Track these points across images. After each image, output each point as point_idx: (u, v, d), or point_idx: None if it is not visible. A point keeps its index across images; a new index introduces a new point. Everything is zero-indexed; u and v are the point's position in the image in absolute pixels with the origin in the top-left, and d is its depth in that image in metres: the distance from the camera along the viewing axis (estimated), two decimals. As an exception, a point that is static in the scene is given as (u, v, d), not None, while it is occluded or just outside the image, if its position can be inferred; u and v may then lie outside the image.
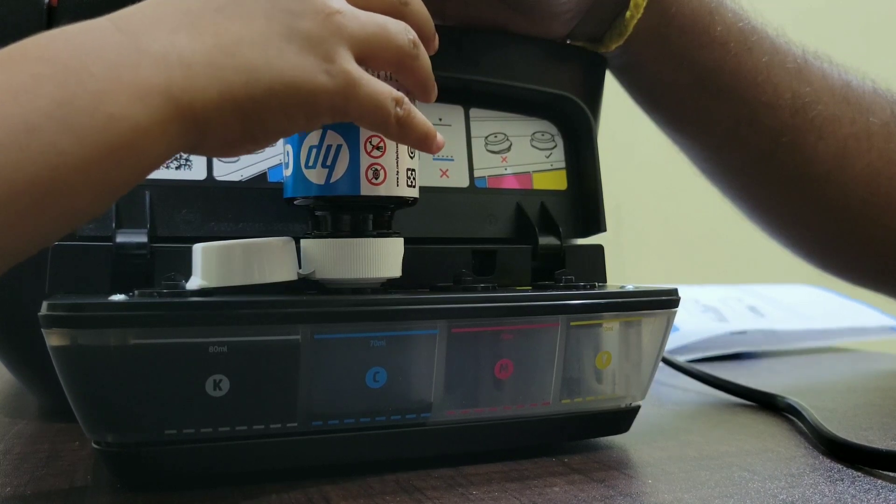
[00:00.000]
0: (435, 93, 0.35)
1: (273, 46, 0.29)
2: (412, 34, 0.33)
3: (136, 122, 0.26)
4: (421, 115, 0.33)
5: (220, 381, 0.31)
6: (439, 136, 0.34)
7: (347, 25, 0.30)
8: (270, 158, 0.40)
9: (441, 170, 0.43)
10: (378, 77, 0.32)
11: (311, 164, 0.34)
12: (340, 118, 0.31)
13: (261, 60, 0.29)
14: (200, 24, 0.29)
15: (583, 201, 0.46)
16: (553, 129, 0.47)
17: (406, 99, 0.32)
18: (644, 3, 0.48)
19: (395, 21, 0.33)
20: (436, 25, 0.36)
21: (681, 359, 0.59)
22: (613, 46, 0.49)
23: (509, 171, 0.45)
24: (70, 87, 0.26)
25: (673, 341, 0.66)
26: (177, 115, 0.27)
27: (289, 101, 0.29)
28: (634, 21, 0.48)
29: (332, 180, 0.34)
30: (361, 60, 0.31)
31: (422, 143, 0.33)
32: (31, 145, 0.25)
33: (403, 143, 0.34)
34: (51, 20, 0.38)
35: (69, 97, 0.25)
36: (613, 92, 0.53)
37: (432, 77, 0.34)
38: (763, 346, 0.70)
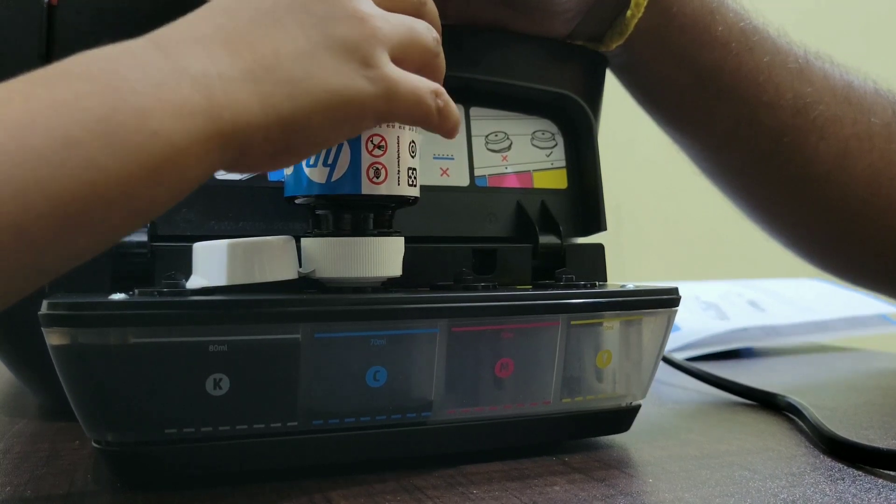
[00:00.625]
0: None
1: (312, 56, 0.29)
2: (434, 33, 0.33)
3: (177, 140, 0.26)
4: (453, 103, 0.33)
5: (221, 380, 0.31)
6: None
7: (381, 28, 0.30)
8: (271, 157, 0.40)
9: (441, 168, 0.43)
10: None
11: (312, 162, 0.34)
12: (383, 121, 0.32)
13: (302, 72, 0.28)
14: (236, 38, 0.28)
15: (583, 200, 0.46)
16: (553, 128, 0.47)
17: (443, 89, 0.32)
18: (645, 3, 0.48)
19: (420, 21, 0.33)
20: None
21: (681, 356, 0.59)
22: (614, 45, 0.49)
23: (510, 169, 0.45)
24: (112, 104, 0.25)
25: (674, 340, 0.66)
26: (218, 133, 0.27)
27: (333, 111, 0.29)
28: (635, 20, 0.48)
29: (334, 179, 0.34)
30: (394, 62, 0.31)
31: (452, 132, 0.34)
32: (71, 159, 0.24)
33: (439, 131, 0.34)
34: (51, 19, 0.38)
35: (111, 113, 0.25)
36: (614, 91, 0.53)
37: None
38: (763, 342, 0.70)
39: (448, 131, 0.34)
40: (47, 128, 0.24)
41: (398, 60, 0.31)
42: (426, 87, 0.32)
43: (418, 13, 0.33)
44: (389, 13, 0.32)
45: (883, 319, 0.77)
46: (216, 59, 0.28)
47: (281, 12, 0.29)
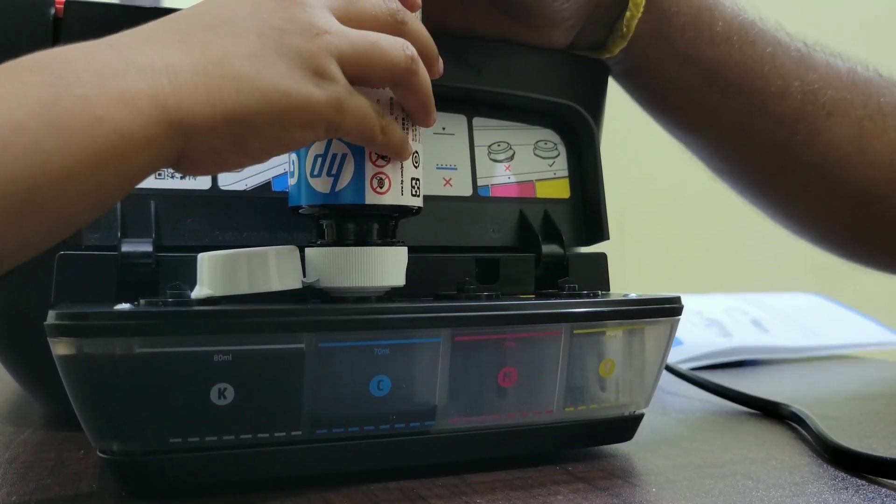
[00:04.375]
0: (434, 116, 0.35)
1: (263, 60, 0.29)
2: (410, 49, 0.33)
3: (122, 126, 0.27)
4: (397, 125, 0.34)
5: (225, 389, 0.31)
6: (409, 143, 0.35)
7: (336, 44, 0.31)
8: (274, 168, 0.40)
9: (444, 178, 0.44)
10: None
11: (316, 172, 0.35)
12: (334, 133, 0.32)
13: (251, 71, 0.29)
14: (190, 40, 0.29)
15: (586, 209, 0.46)
16: (556, 138, 0.47)
17: (384, 111, 0.33)
18: (643, 2, 0.48)
19: (392, 37, 0.33)
20: (438, 35, 0.36)
21: (684, 366, 0.59)
22: (617, 50, 0.49)
23: (512, 179, 0.45)
24: (57, 90, 0.26)
25: (676, 354, 0.66)
26: (163, 120, 0.27)
27: (282, 110, 0.30)
28: (635, 21, 0.48)
29: (337, 189, 0.34)
30: (354, 77, 0.32)
31: (400, 151, 0.34)
32: (16, 143, 0.25)
33: (382, 152, 0.34)
34: (57, 31, 0.38)
35: (55, 99, 0.26)
36: (616, 100, 0.53)
37: (432, 99, 0.35)
38: (766, 356, 0.70)
39: (396, 151, 0.34)
40: None
41: (357, 75, 0.32)
42: (371, 105, 0.32)
43: (397, 32, 0.33)
44: (353, 30, 0.32)
45: (892, 345, 0.76)
46: (165, 55, 0.28)
47: (238, 22, 0.30)
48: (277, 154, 0.33)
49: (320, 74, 0.30)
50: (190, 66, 0.28)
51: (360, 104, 0.32)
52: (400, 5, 0.34)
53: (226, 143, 0.29)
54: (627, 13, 0.48)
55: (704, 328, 0.72)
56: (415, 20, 0.35)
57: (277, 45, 0.30)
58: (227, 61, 0.29)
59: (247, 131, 0.29)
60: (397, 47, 0.33)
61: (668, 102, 0.54)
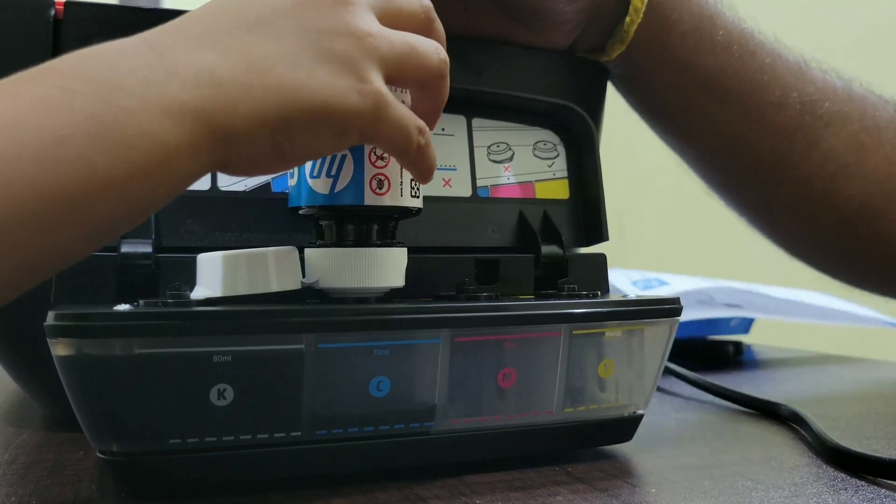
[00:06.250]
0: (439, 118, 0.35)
1: (304, 66, 0.29)
2: (443, 53, 0.33)
3: (167, 139, 0.26)
4: (433, 147, 0.33)
5: (225, 390, 0.31)
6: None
7: (379, 47, 0.31)
8: (274, 168, 0.40)
9: (444, 179, 0.44)
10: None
11: (315, 173, 0.35)
12: (367, 140, 0.31)
13: (292, 79, 0.29)
14: (231, 43, 0.29)
15: (585, 210, 0.46)
16: (555, 139, 0.47)
17: (427, 129, 0.33)
18: (643, 8, 0.48)
19: (428, 40, 0.33)
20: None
21: (680, 368, 0.59)
22: (615, 54, 0.49)
23: (512, 180, 0.45)
24: (102, 102, 0.26)
25: (661, 290, 0.65)
26: (207, 132, 0.27)
27: (319, 121, 0.29)
28: (635, 26, 0.48)
29: (337, 190, 0.34)
30: (390, 80, 0.31)
31: (426, 174, 0.34)
32: (62, 157, 0.25)
33: (412, 170, 0.34)
34: (57, 32, 0.38)
35: (101, 111, 0.26)
36: (616, 101, 0.53)
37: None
38: (756, 313, 0.70)
39: (423, 172, 0.34)
40: (36, 126, 0.25)
41: (393, 78, 0.32)
42: (413, 120, 0.32)
43: (427, 30, 0.33)
44: (393, 32, 0.32)
45: (887, 324, 0.76)
46: (208, 61, 0.28)
47: (279, 22, 0.30)
48: (311, 159, 0.33)
49: (362, 80, 0.30)
50: (232, 74, 0.28)
51: (399, 116, 0.31)
52: (430, 3, 0.34)
53: (265, 150, 0.29)
54: (627, 18, 0.48)
55: (694, 305, 0.72)
56: (438, 19, 0.35)
57: (319, 50, 0.29)
58: (268, 67, 0.28)
59: (284, 141, 0.29)
60: (433, 51, 0.32)
61: (665, 109, 0.54)
